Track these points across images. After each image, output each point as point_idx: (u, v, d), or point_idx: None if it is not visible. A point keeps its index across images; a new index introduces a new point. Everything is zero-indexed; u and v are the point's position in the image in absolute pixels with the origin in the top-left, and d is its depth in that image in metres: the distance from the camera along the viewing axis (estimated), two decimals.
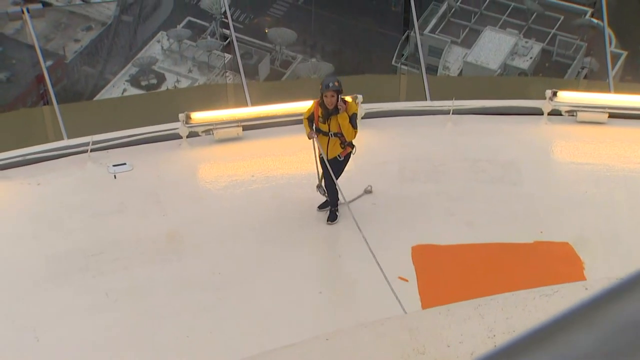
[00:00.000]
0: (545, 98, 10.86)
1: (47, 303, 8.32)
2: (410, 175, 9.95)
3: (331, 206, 9.18)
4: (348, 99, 8.80)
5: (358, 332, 3.72)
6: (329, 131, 8.68)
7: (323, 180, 9.08)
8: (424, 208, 9.54)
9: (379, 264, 7.83)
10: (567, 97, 10.92)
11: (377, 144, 10.49)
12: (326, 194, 9.13)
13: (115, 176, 9.84)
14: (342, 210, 9.23)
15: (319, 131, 8.74)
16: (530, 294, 3.92)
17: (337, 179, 8.89)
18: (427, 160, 10.16)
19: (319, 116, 8.65)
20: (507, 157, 10.24)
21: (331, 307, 8.15)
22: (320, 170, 9.07)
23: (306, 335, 7.12)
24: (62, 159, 10.11)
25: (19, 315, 8.19)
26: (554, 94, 10.82)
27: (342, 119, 8.56)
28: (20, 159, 9.99)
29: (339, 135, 8.67)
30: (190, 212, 9.44)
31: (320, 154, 8.83)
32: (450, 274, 8.87)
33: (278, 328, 7.99)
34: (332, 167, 8.82)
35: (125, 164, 10.00)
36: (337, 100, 8.47)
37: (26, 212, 9.39)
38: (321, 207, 9.37)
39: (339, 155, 8.82)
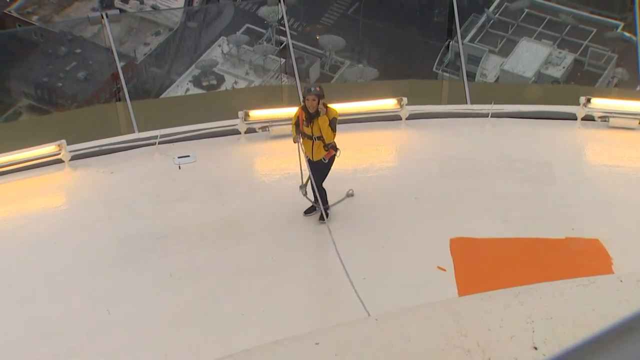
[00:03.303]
0: (579, 104, 10.67)
1: (118, 280, 8.46)
2: (450, 173, 9.86)
3: (322, 205, 8.94)
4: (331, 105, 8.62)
5: (405, 314, 3.71)
6: (312, 134, 8.58)
7: (309, 183, 8.86)
8: (462, 203, 9.44)
9: (343, 265, 7.80)
10: (600, 103, 10.71)
11: (420, 143, 10.43)
12: (307, 195, 8.95)
13: (180, 167, 9.94)
14: (382, 201, 9.11)
15: (303, 135, 8.62)
16: (567, 283, 3.86)
17: (323, 181, 8.77)
18: (466, 159, 10.06)
19: (303, 120, 8.57)
20: (542, 159, 10.08)
21: (375, 292, 8.12)
22: (306, 173, 8.88)
23: (352, 316, 7.14)
24: (133, 150, 10.25)
25: (94, 291, 8.34)
26: (588, 100, 10.63)
27: (322, 121, 8.45)
28: (96, 149, 10.16)
29: (322, 138, 8.56)
30: (246, 202, 9.49)
31: (306, 158, 8.69)
32: (485, 265, 8.77)
33: (326, 309, 8.01)
34: (318, 169, 8.72)
35: (189, 156, 10.09)
36: (318, 104, 8.39)
37: (101, 198, 9.55)
38: (307, 212, 9.20)
39: (323, 158, 8.71)
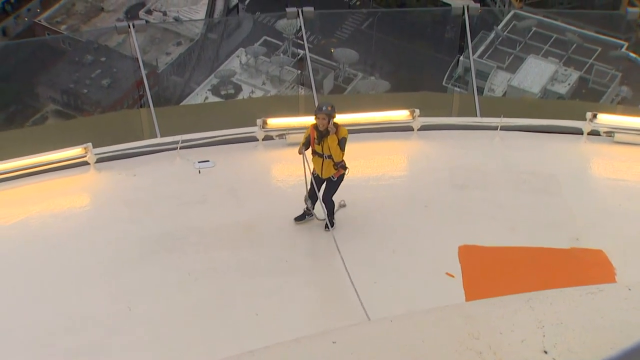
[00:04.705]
0: (584, 120, 10.63)
1: (138, 278, 8.48)
2: (460, 183, 9.83)
3: (328, 215, 8.95)
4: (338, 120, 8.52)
5: (419, 316, 3.71)
6: (323, 153, 8.54)
7: (320, 194, 8.81)
8: (471, 212, 9.41)
9: (347, 270, 7.82)
10: (606, 119, 10.67)
11: (431, 154, 10.41)
12: (308, 207, 8.92)
13: (199, 171, 9.96)
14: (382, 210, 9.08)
15: (315, 153, 8.60)
16: (577, 291, 3.85)
17: (332, 195, 8.76)
18: (475, 170, 10.03)
19: (314, 138, 8.53)
20: (548, 171, 10.04)
21: (385, 295, 8.12)
22: (310, 185, 8.85)
23: (362, 318, 7.12)
24: (155, 154, 10.27)
25: (115, 288, 8.37)
26: (594, 116, 10.59)
27: (332, 140, 8.41)
28: (120, 152, 10.20)
29: (332, 157, 8.53)
30: (263, 206, 9.49)
31: (313, 173, 8.69)
32: (492, 272, 8.74)
33: (337, 310, 7.98)
34: (328, 184, 8.70)
35: (208, 161, 10.11)
36: (328, 123, 8.33)
37: (124, 199, 9.58)
38: (298, 219, 9.16)
39: (332, 176, 8.68)
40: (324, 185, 8.81)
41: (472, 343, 3.52)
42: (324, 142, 8.46)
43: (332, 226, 9.01)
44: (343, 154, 8.54)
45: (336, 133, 8.40)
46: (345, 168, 8.65)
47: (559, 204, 9.57)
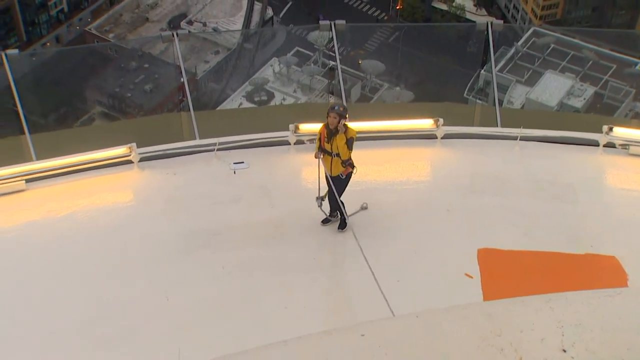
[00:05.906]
0: (601, 132, 10.49)
1: (176, 271, 8.55)
2: (480, 189, 9.76)
3: (340, 216, 8.95)
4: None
5: (443, 313, 3.70)
6: (332, 151, 8.52)
7: (327, 195, 8.82)
8: (490, 218, 9.33)
9: (371, 270, 7.67)
10: (621, 132, 10.51)
11: (453, 161, 10.34)
12: (322, 207, 8.89)
13: (234, 172, 10.02)
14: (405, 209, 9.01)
15: (324, 151, 8.58)
16: (595, 293, 3.81)
17: (340, 195, 8.71)
18: (495, 177, 9.95)
19: (324, 137, 8.52)
20: (565, 180, 9.92)
21: (407, 292, 8.08)
22: (325, 185, 8.82)
23: (386, 314, 7.09)
24: (194, 155, 10.35)
25: (154, 279, 8.45)
26: (610, 129, 10.45)
27: (340, 139, 8.39)
28: (161, 153, 10.29)
29: (339, 155, 8.50)
30: (293, 206, 9.50)
31: (325, 173, 8.68)
32: (509, 275, 8.66)
33: (363, 306, 7.96)
34: (335, 184, 8.66)
35: (243, 162, 10.16)
36: (338, 123, 8.33)
37: (164, 196, 9.66)
38: (324, 222, 9.13)
39: (340, 174, 8.64)
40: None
41: (494, 340, 3.49)
42: (333, 140, 8.47)
43: (344, 227, 8.93)
44: (350, 153, 8.53)
45: (345, 133, 8.40)
46: (353, 167, 8.62)
47: (575, 212, 9.45)
